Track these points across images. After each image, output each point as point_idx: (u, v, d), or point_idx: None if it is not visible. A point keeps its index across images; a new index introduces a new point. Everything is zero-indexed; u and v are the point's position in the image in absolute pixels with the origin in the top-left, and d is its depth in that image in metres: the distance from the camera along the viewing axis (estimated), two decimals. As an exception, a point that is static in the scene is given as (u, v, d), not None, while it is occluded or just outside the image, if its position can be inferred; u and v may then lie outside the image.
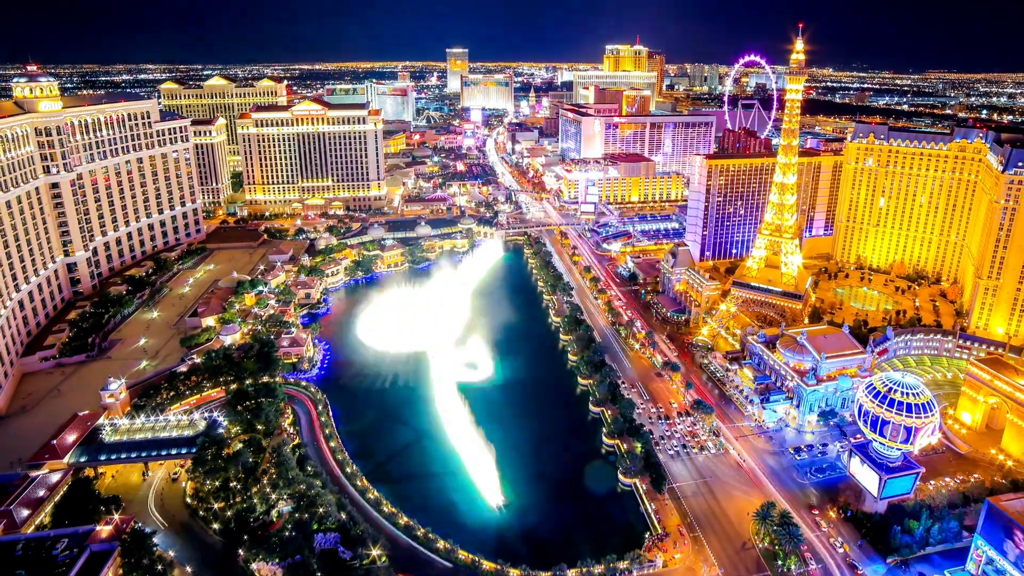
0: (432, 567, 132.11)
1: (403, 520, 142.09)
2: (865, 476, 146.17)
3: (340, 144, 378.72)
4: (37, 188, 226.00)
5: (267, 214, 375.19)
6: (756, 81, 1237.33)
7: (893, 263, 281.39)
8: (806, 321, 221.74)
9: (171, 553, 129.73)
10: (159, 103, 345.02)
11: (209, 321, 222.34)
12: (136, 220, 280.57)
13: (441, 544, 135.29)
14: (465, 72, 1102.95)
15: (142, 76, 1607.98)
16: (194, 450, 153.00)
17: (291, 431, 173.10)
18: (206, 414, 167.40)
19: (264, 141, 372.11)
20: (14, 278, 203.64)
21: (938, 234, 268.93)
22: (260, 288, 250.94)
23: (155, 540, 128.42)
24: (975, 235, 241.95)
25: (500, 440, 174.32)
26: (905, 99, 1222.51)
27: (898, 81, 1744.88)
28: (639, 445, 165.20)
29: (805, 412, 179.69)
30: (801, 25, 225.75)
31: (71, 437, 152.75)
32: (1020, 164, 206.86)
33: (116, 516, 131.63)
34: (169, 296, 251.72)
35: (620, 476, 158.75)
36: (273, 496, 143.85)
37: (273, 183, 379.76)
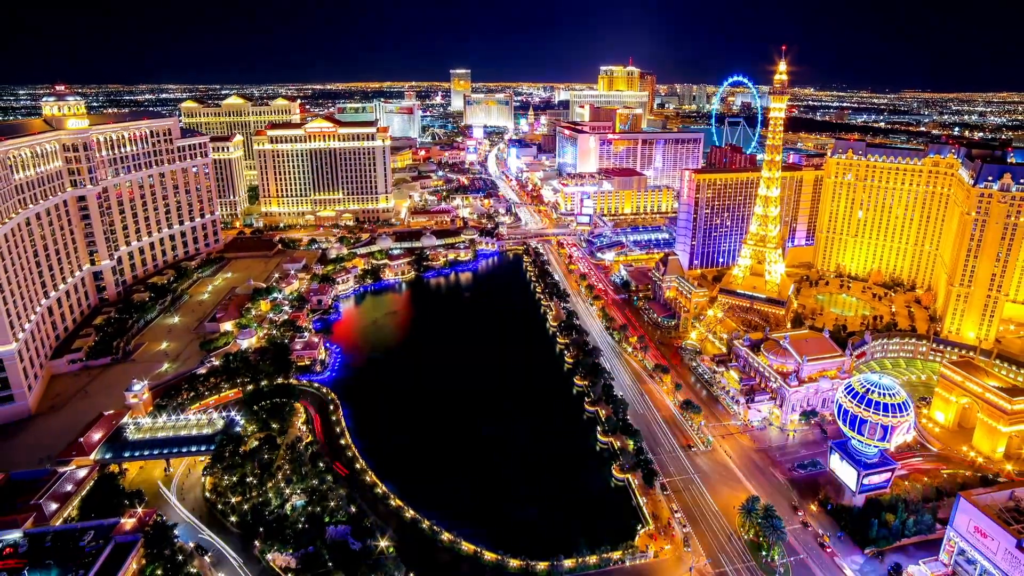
0: (437, 558, 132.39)
1: (409, 513, 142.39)
2: (844, 472, 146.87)
3: (350, 159, 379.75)
4: (65, 201, 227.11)
5: (281, 225, 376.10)
6: (742, 100, 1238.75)
7: (871, 271, 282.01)
8: (789, 326, 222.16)
9: (191, 544, 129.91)
10: (180, 121, 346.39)
11: (227, 326, 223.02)
12: (158, 231, 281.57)
13: (445, 536, 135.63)
14: (468, 92, 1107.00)
15: (164, 95, 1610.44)
16: (213, 447, 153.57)
17: (304, 429, 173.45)
18: (224, 413, 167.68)
19: (279, 156, 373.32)
20: (43, 285, 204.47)
21: (913, 244, 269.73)
22: (275, 295, 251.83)
23: (176, 532, 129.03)
24: (948, 245, 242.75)
25: (501, 437, 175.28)
26: (882, 117, 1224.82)
27: (875, 100, 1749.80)
28: (632, 443, 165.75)
29: (788, 412, 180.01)
30: (784, 48, 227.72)
31: (97, 435, 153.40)
32: (990, 178, 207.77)
33: (139, 509, 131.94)
34: (189, 302, 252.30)
35: (614, 472, 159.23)
36: (287, 491, 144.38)
37: (287, 196, 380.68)
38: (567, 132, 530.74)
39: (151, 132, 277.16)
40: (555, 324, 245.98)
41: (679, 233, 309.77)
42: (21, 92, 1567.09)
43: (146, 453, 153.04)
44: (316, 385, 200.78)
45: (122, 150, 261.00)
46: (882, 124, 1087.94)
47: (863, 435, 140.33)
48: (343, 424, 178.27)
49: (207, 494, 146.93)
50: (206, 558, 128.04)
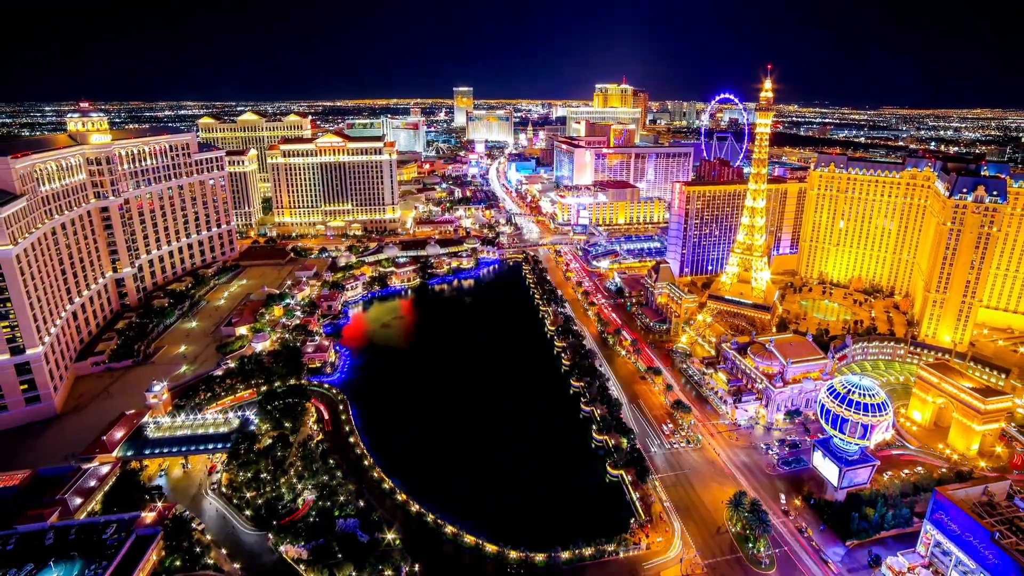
0: (440, 549, 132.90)
1: (415, 508, 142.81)
2: (827, 468, 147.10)
3: (359, 172, 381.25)
4: (89, 211, 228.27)
5: (294, 235, 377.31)
6: (729, 116, 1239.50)
7: (852, 278, 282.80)
8: (774, 330, 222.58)
9: (208, 536, 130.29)
10: (197, 136, 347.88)
11: (242, 330, 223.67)
12: (177, 240, 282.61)
13: (448, 529, 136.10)
14: (470, 108, 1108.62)
15: (182, 112, 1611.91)
16: (229, 445, 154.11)
17: (315, 428, 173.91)
18: (239, 413, 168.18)
19: (291, 170, 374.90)
20: (68, 291, 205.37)
21: (891, 253, 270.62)
22: (288, 301, 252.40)
23: (193, 525, 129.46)
24: (924, 253, 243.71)
25: (501, 436, 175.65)
26: (862, 132, 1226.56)
27: (856, 116, 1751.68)
28: (625, 440, 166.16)
29: (773, 411, 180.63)
30: (770, 66, 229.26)
31: (119, 433, 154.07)
32: (964, 190, 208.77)
33: (159, 504, 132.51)
34: (206, 308, 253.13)
35: (608, 468, 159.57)
36: (299, 486, 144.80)
37: (299, 207, 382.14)
38: (564, 146, 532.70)
39: (170, 147, 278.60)
40: (552, 328, 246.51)
41: (670, 242, 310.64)
42: (47, 108, 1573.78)
43: (165, 451, 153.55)
44: (327, 386, 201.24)
45: (143, 163, 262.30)
46: (862, 139, 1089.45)
47: (844, 433, 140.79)
48: (352, 423, 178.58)
49: (223, 489, 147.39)
50: (223, 550, 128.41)
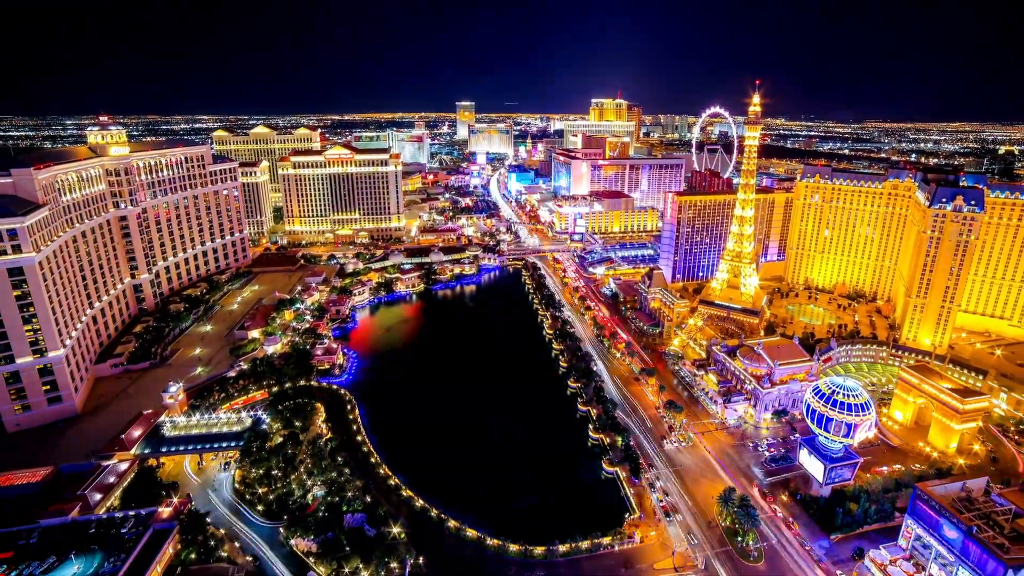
0: (443, 543, 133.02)
1: (419, 503, 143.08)
2: (812, 465, 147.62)
3: (365, 183, 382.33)
4: (108, 220, 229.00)
5: (303, 242, 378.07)
6: (720, 129, 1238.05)
7: (836, 284, 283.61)
8: (762, 333, 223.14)
9: (222, 531, 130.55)
10: (212, 148, 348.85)
11: (254, 334, 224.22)
12: (192, 247, 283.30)
13: (451, 523, 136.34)
14: (472, 122, 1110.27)
15: (197, 125, 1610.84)
16: (242, 443, 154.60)
17: (324, 427, 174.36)
18: (252, 413, 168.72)
19: (301, 180, 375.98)
20: (88, 297, 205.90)
21: (874, 260, 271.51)
22: (298, 305, 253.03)
23: (208, 519, 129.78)
24: (905, 260, 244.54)
25: (501, 434, 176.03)
26: (846, 145, 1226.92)
27: (840, 129, 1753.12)
28: (620, 439, 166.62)
29: (761, 411, 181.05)
30: (758, 82, 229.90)
31: (137, 432, 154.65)
32: (944, 200, 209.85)
33: (175, 499, 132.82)
34: (220, 312, 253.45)
35: (604, 465, 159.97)
36: (309, 482, 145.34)
37: (309, 216, 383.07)
38: (562, 158, 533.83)
39: (186, 158, 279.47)
40: (551, 331, 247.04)
41: (663, 249, 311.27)
42: (68, 122, 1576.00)
43: (181, 448, 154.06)
44: (335, 387, 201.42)
45: (159, 174, 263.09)
46: (846, 151, 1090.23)
47: (829, 432, 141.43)
48: (359, 422, 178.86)
49: (236, 485, 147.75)
50: (236, 543, 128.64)
